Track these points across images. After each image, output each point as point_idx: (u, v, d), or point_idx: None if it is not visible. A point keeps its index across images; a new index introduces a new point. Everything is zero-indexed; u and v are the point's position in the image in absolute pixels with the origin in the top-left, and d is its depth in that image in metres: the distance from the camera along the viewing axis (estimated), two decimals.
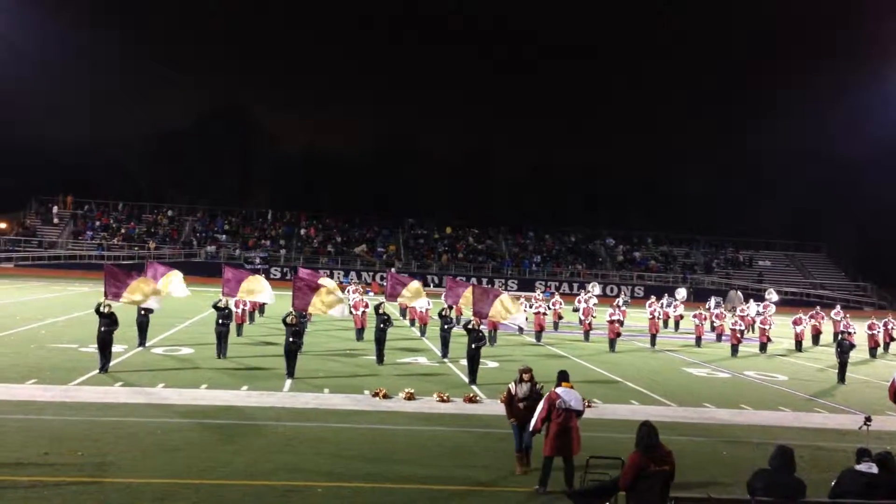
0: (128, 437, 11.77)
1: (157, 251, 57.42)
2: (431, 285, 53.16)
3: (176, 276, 23.50)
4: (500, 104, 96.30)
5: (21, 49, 65.55)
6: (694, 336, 29.33)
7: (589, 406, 13.88)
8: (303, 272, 20.42)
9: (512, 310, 19.25)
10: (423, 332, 26.92)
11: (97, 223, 62.10)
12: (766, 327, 28.27)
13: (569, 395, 10.25)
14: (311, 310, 19.23)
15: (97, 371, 16.68)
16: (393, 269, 54.02)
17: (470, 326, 17.94)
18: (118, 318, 17.33)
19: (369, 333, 22.64)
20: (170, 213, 66.07)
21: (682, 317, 34.90)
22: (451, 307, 22.93)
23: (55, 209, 62.64)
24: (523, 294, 33.82)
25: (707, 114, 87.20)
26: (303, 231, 65.57)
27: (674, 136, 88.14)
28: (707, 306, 32.82)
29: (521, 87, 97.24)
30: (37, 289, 39.54)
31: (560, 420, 10.14)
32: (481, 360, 18.42)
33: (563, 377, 10.58)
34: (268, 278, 32.35)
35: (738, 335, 26.91)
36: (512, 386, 11.24)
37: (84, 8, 76.05)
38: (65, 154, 70.47)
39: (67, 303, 32.71)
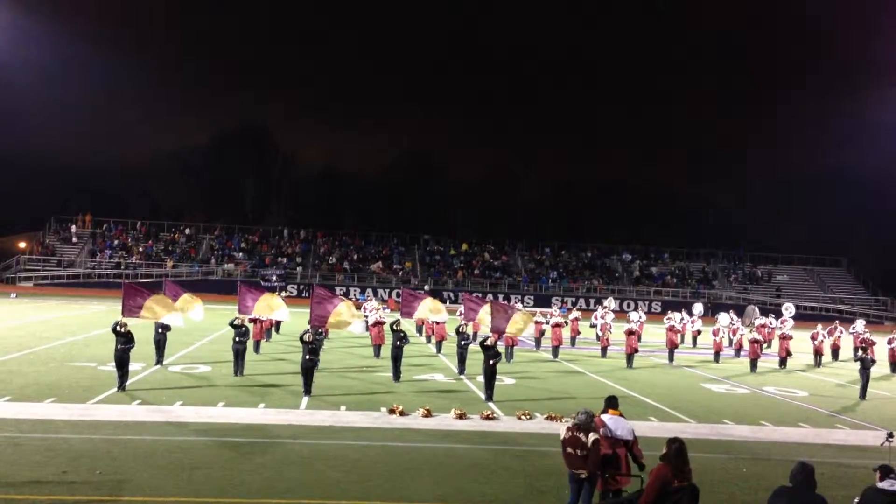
0: (145, 455, 11.80)
1: (174, 269, 57.79)
2: (448, 302, 53.14)
3: (191, 299, 23.53)
4: (516, 122, 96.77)
5: (43, 71, 66.72)
6: (712, 351, 29.08)
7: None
8: (319, 289, 20.47)
9: (525, 326, 19.23)
10: (439, 349, 26.87)
11: (115, 242, 62.62)
12: (785, 341, 28.04)
13: (615, 424, 9.47)
14: (328, 326, 19.29)
15: (115, 389, 16.76)
16: (427, 288, 54.22)
17: (487, 343, 17.89)
18: (135, 336, 17.41)
19: (386, 350, 22.63)
20: (187, 231, 66.51)
21: (699, 332, 34.67)
22: (467, 323, 22.93)
23: (74, 228, 63.25)
24: (539, 310, 33.70)
25: (725, 129, 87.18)
26: (321, 249, 65.80)
27: (691, 152, 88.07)
28: (717, 322, 32.28)
29: (537, 104, 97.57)
30: (55, 307, 39.86)
31: (609, 451, 9.23)
32: (498, 377, 18.35)
33: (611, 403, 9.82)
34: (284, 296, 32.49)
35: (758, 349, 26.65)
36: (579, 435, 9.07)
37: (105, 32, 77.42)
38: (84, 173, 71.46)
39: (86, 321, 32.94)
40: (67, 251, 60.86)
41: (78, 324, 31.70)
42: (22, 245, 61.93)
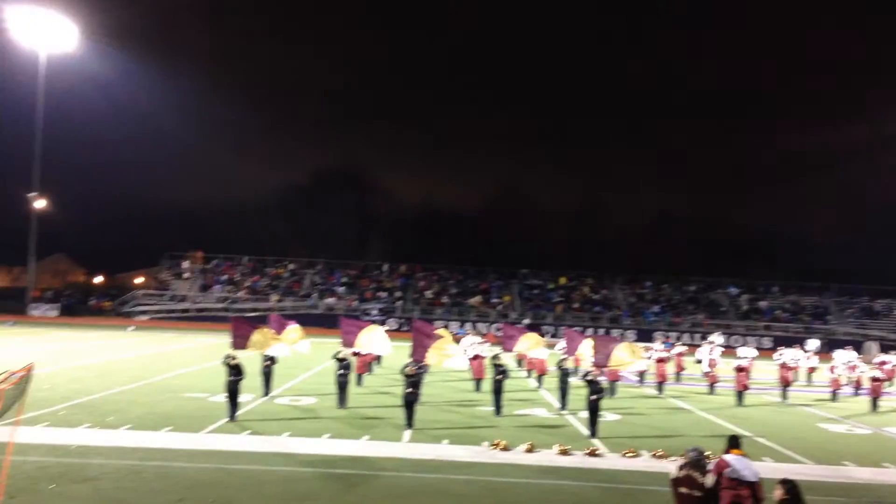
0: (256, 484, 12.10)
1: (279, 304, 59.46)
2: (547, 336, 52.64)
3: (297, 331, 24.11)
4: (615, 155, 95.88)
5: (160, 122, 70.80)
6: (829, 389, 27.66)
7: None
8: (419, 324, 20.67)
9: (633, 357, 18.82)
10: (540, 383, 26.57)
11: (224, 277, 65.06)
12: None
13: (742, 464, 9.03)
14: (428, 360, 19.40)
15: (226, 420, 17.31)
16: (525, 322, 53.93)
17: (589, 377, 17.60)
18: (245, 368, 17.98)
19: (487, 384, 22.55)
20: (291, 266, 68.45)
21: (814, 369, 33.06)
22: (568, 357, 22.62)
23: (186, 264, 66.16)
24: (642, 345, 32.91)
25: (832, 159, 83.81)
26: (420, 283, 66.46)
27: (800, 183, 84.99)
28: (834, 359, 30.64)
29: (637, 137, 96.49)
30: (169, 340, 41.57)
31: (731, 492, 8.84)
32: (601, 413, 17.99)
33: (733, 443, 9.46)
34: (385, 329, 32.87)
35: (879, 387, 25.17)
36: (694, 474, 8.88)
37: (208, 84, 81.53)
38: (196, 213, 75.03)
39: (197, 354, 34.19)
40: (180, 286, 63.63)
41: (190, 356, 32.94)
42: (139, 281, 65.16)
